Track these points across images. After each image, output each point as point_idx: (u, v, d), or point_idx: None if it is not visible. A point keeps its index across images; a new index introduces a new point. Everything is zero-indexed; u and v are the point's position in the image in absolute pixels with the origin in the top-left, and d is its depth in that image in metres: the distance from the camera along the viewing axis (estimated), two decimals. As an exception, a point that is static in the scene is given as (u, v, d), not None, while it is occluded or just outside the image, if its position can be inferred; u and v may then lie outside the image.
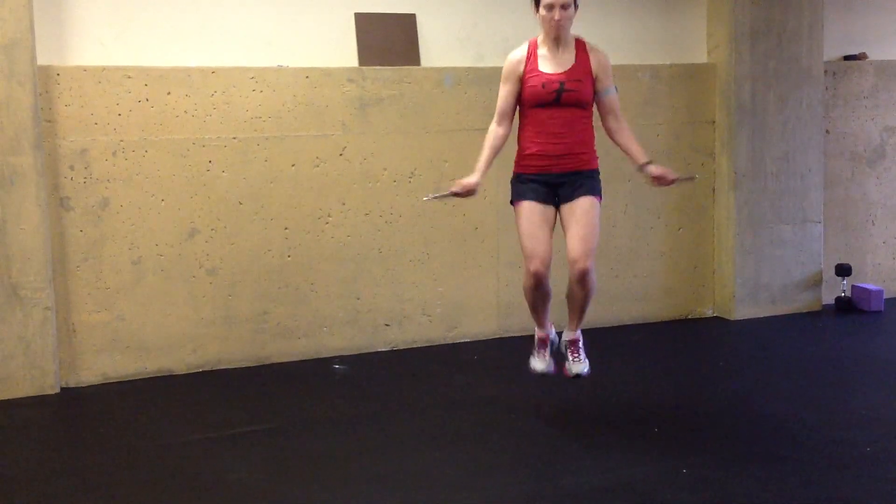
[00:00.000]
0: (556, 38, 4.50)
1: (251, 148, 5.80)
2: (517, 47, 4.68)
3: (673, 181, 4.59)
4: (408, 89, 6.08)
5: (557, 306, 4.87)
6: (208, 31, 5.78)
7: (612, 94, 4.61)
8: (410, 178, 6.13)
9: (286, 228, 5.90)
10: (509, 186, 4.75)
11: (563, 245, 4.59)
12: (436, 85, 6.14)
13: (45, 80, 5.37)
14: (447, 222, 6.23)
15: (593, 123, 4.68)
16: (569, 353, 4.75)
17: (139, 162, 5.59)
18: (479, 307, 6.36)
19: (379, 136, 6.05)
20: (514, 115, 4.63)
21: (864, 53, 7.27)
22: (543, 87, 4.46)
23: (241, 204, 5.80)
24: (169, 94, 5.61)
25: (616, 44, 6.65)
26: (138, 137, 5.58)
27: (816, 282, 7.05)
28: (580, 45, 4.58)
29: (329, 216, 5.99)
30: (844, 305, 7.08)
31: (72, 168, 5.46)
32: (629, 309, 6.74)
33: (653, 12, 6.76)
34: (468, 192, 4.57)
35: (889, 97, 7.31)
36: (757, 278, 6.87)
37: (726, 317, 6.88)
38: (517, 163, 4.65)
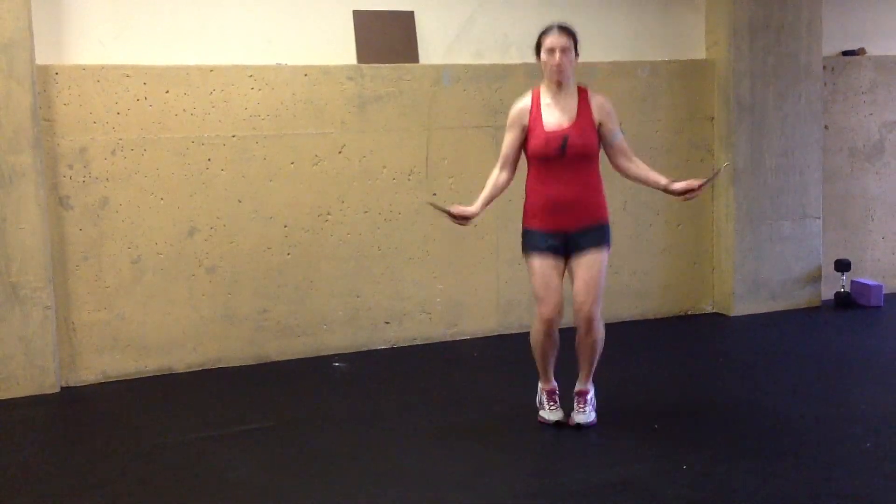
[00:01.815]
0: (558, 84, 4.50)
1: (250, 146, 5.80)
2: (522, 98, 4.62)
3: (701, 187, 4.56)
4: (406, 87, 6.08)
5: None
6: (207, 29, 5.77)
7: (620, 138, 4.61)
8: (410, 175, 6.13)
9: (285, 226, 5.90)
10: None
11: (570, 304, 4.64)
12: (434, 82, 6.14)
13: (44, 79, 5.36)
14: (447, 220, 6.21)
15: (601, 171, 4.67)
16: (575, 403, 4.74)
17: (138, 161, 5.59)
18: (479, 305, 6.36)
19: (378, 133, 6.04)
20: (517, 162, 4.62)
21: (862, 49, 7.27)
22: (547, 143, 4.47)
23: (240, 202, 5.80)
24: (168, 92, 5.61)
25: (615, 40, 6.66)
26: (137, 136, 5.58)
27: (816, 277, 7.05)
28: (582, 92, 4.58)
29: (328, 214, 5.99)
30: (844, 301, 7.08)
31: (71, 167, 5.46)
32: (629, 305, 6.75)
33: (651, 9, 6.76)
34: (463, 219, 4.61)
35: (888, 92, 7.31)
36: (756, 274, 6.87)
37: (726, 313, 6.88)
38: (526, 215, 4.63)
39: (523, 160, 4.64)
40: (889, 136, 7.35)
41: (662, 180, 4.60)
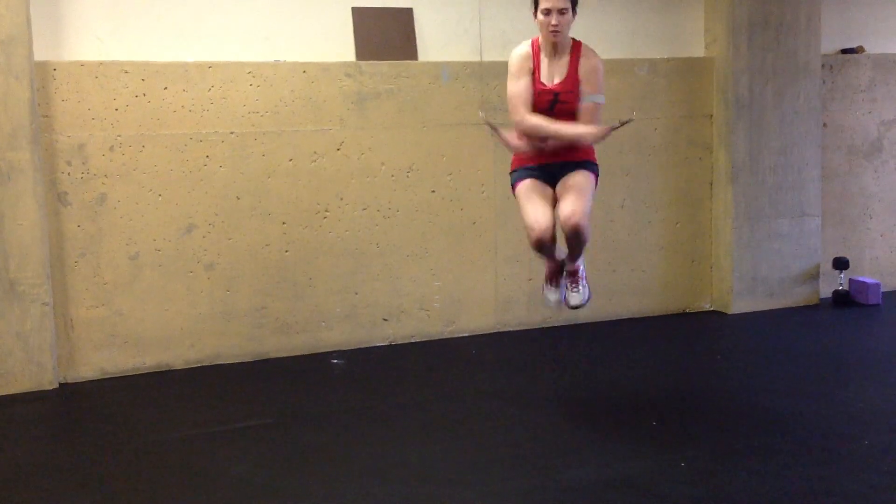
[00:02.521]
0: (554, 44, 4.52)
1: (249, 143, 5.80)
2: (519, 44, 4.66)
3: (608, 131, 4.45)
4: (405, 84, 6.07)
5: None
6: (205, 25, 5.77)
7: (590, 102, 4.53)
8: (408, 172, 6.13)
9: (284, 223, 5.90)
10: (506, 180, 4.77)
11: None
12: (433, 79, 6.13)
13: (42, 76, 5.36)
14: (445, 217, 6.23)
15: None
16: (568, 284, 4.79)
17: (136, 157, 5.58)
18: (477, 302, 6.36)
19: (376, 130, 6.04)
20: None
21: (861, 47, 7.27)
22: (539, 95, 4.52)
23: (238, 199, 5.80)
24: (166, 89, 5.61)
25: (613, 38, 6.66)
26: (135, 132, 5.57)
27: (814, 275, 7.05)
28: (576, 49, 4.58)
29: (327, 211, 5.98)
30: (842, 299, 7.09)
31: (69, 163, 5.46)
32: (627, 303, 6.75)
33: (650, 6, 6.76)
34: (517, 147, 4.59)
35: (886, 91, 7.31)
36: (755, 272, 6.88)
37: (724, 311, 6.89)
38: (514, 158, 4.71)
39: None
40: (887, 134, 7.36)
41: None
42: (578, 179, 4.54)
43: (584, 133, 4.48)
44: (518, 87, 4.55)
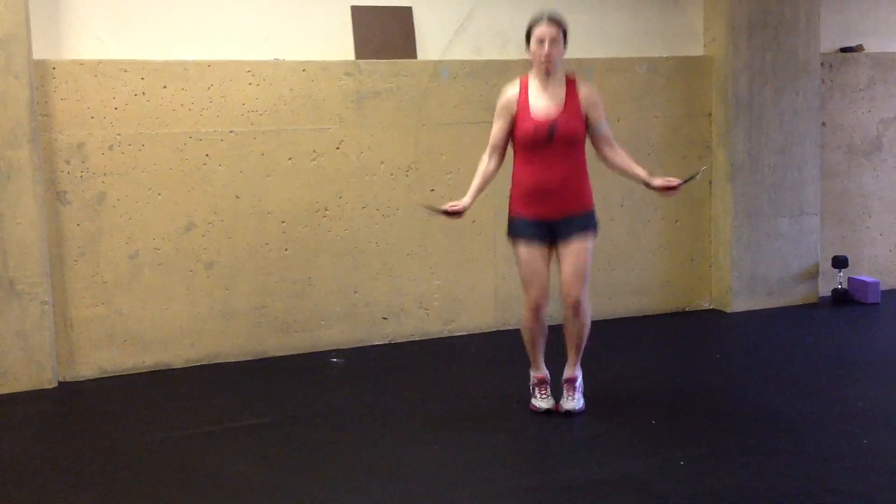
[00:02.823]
0: (547, 73, 4.56)
1: (248, 142, 5.80)
2: (509, 87, 4.68)
3: (679, 186, 4.61)
4: (405, 83, 6.07)
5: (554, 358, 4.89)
6: (204, 24, 5.77)
7: (605, 127, 4.67)
8: (408, 171, 6.13)
9: (283, 222, 5.90)
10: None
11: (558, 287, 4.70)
12: (433, 78, 6.13)
13: (42, 75, 5.36)
14: (442, 218, 6.21)
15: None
16: (564, 390, 4.82)
17: (136, 156, 5.58)
18: (477, 301, 6.36)
19: (376, 129, 6.04)
20: (505, 149, 4.70)
21: (860, 46, 7.27)
22: (536, 130, 4.54)
23: (238, 198, 5.80)
24: (165, 87, 5.61)
25: (613, 37, 6.67)
26: (135, 131, 5.57)
27: (813, 274, 7.05)
28: (570, 81, 4.64)
29: (326, 210, 5.99)
30: (841, 297, 7.10)
31: (68, 162, 5.46)
32: (626, 302, 6.75)
33: (650, 5, 6.76)
34: (456, 214, 4.68)
35: (885, 89, 7.32)
36: (754, 271, 6.88)
37: (723, 309, 6.89)
38: (512, 201, 4.71)
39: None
40: (886, 132, 7.36)
41: (643, 174, 4.65)
42: (580, 249, 4.60)
43: (651, 181, 4.62)
44: (494, 128, 4.69)
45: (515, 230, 4.66)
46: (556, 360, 4.88)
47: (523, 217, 4.63)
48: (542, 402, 4.81)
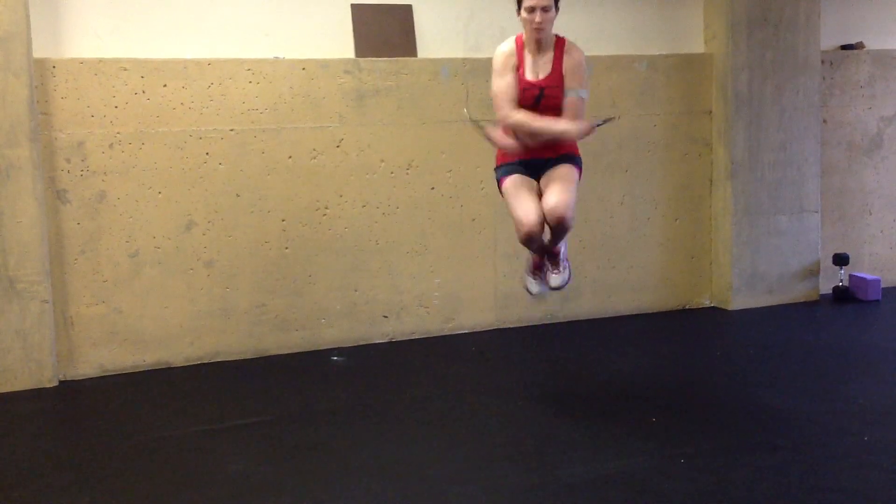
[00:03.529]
0: (538, 41, 4.57)
1: (248, 140, 5.79)
2: (505, 42, 4.71)
3: (593, 127, 4.56)
4: (404, 80, 6.07)
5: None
6: (204, 22, 5.76)
7: (573, 97, 4.59)
8: (408, 169, 6.13)
9: (283, 220, 5.90)
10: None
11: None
12: (432, 76, 6.13)
13: (41, 73, 5.35)
14: (444, 214, 6.23)
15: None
16: (550, 265, 4.86)
17: (136, 154, 5.58)
18: (477, 298, 6.36)
19: (376, 127, 6.04)
20: None
21: (861, 43, 7.26)
22: (525, 91, 4.57)
23: (238, 196, 5.80)
24: (165, 86, 5.60)
25: (613, 34, 6.66)
26: (135, 130, 5.57)
27: (814, 271, 7.05)
28: (560, 45, 4.63)
29: (326, 208, 5.98)
30: (842, 295, 7.09)
31: (68, 161, 5.46)
32: (626, 299, 6.75)
33: (650, 2, 6.75)
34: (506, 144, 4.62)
35: (886, 87, 7.31)
36: (754, 268, 6.88)
37: (724, 307, 6.89)
38: (499, 154, 4.78)
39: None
40: (887, 130, 7.36)
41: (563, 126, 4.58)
42: (562, 172, 4.61)
43: (569, 129, 4.57)
44: (502, 84, 4.61)
45: (501, 171, 4.70)
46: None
47: (508, 160, 4.68)
48: (534, 285, 4.92)
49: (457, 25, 6.28)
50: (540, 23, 4.48)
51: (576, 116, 4.59)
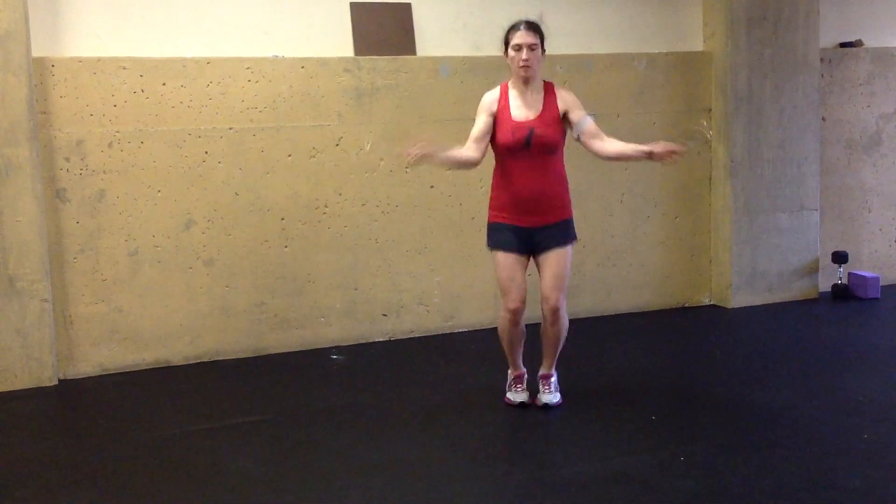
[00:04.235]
0: (525, 80, 4.58)
1: (247, 139, 5.79)
2: (491, 91, 4.71)
3: (678, 151, 4.56)
4: (404, 79, 6.07)
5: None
6: (203, 21, 5.76)
7: (589, 122, 4.66)
8: (407, 167, 6.12)
9: (283, 219, 5.90)
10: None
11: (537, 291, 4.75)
12: (432, 74, 6.13)
13: (40, 72, 5.35)
14: (444, 212, 6.23)
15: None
16: (541, 385, 4.87)
17: (135, 153, 5.58)
18: (477, 297, 6.36)
19: (375, 125, 6.04)
20: (485, 147, 4.65)
21: (860, 41, 7.26)
22: (513, 133, 4.55)
23: (237, 195, 5.80)
24: (164, 84, 5.60)
25: (612, 32, 6.66)
26: (134, 129, 5.57)
27: (813, 269, 7.05)
28: (548, 87, 4.67)
29: (326, 206, 5.98)
30: (841, 293, 7.10)
31: (67, 160, 5.45)
32: (626, 297, 6.75)
33: (649, 0, 6.75)
34: (413, 157, 4.53)
35: (885, 84, 7.31)
36: (754, 266, 6.88)
37: (723, 305, 6.89)
38: (492, 209, 4.73)
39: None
40: (886, 127, 7.36)
41: (639, 148, 4.59)
42: (559, 257, 4.64)
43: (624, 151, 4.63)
44: (475, 124, 4.66)
45: (494, 238, 4.69)
46: (532, 358, 4.89)
47: (502, 223, 4.65)
48: (517, 395, 4.88)
49: (456, 24, 6.28)
50: (527, 60, 4.51)
51: (601, 133, 4.65)
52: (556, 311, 4.67)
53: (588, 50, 6.52)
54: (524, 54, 4.51)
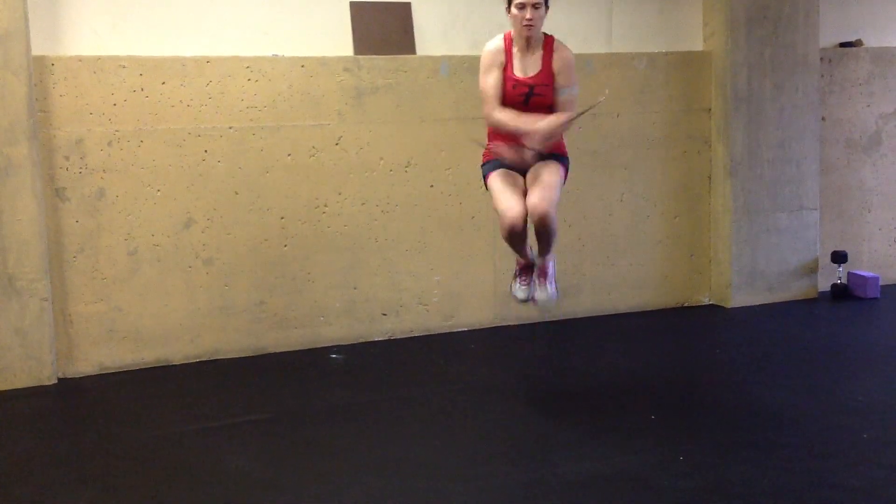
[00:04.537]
0: (528, 38, 4.58)
1: (247, 138, 5.79)
2: (493, 40, 4.72)
3: (575, 117, 4.57)
4: (404, 78, 6.06)
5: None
6: (203, 20, 5.75)
7: (567, 95, 4.62)
8: (407, 167, 6.12)
9: (282, 218, 5.89)
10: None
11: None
12: (431, 73, 6.13)
13: (40, 70, 5.35)
14: (444, 211, 6.23)
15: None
16: (537, 280, 4.87)
17: (135, 152, 5.58)
18: (476, 296, 6.36)
19: (375, 125, 6.04)
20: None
21: (859, 40, 7.26)
22: (514, 88, 4.57)
23: (237, 194, 5.79)
24: (164, 83, 5.60)
25: (612, 32, 6.65)
26: (133, 127, 5.56)
27: (812, 269, 7.05)
28: (548, 44, 4.65)
29: (325, 206, 5.98)
30: (840, 292, 7.10)
31: (67, 158, 5.45)
32: (626, 297, 6.75)
33: (648, 0, 6.75)
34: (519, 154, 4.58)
35: (885, 84, 7.31)
36: (753, 266, 6.88)
37: (723, 304, 6.89)
38: (486, 151, 4.78)
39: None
40: (886, 127, 7.36)
41: (553, 119, 4.54)
42: (547, 171, 4.60)
43: (548, 126, 4.50)
44: (488, 82, 4.62)
45: (487, 166, 4.70)
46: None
47: (496, 157, 4.66)
48: (520, 291, 4.90)
49: (455, 23, 6.28)
50: (530, 20, 4.48)
51: (568, 108, 4.61)
52: (544, 218, 4.48)
53: (588, 49, 6.51)
54: (528, 13, 4.47)
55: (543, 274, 4.85)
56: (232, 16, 5.81)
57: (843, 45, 7.23)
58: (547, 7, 4.58)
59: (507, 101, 4.59)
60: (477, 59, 6.14)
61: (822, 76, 7.04)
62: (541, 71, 4.59)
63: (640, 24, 6.74)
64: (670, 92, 6.74)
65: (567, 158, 4.76)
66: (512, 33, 4.64)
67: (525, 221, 4.55)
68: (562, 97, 4.60)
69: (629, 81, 6.60)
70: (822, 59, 6.99)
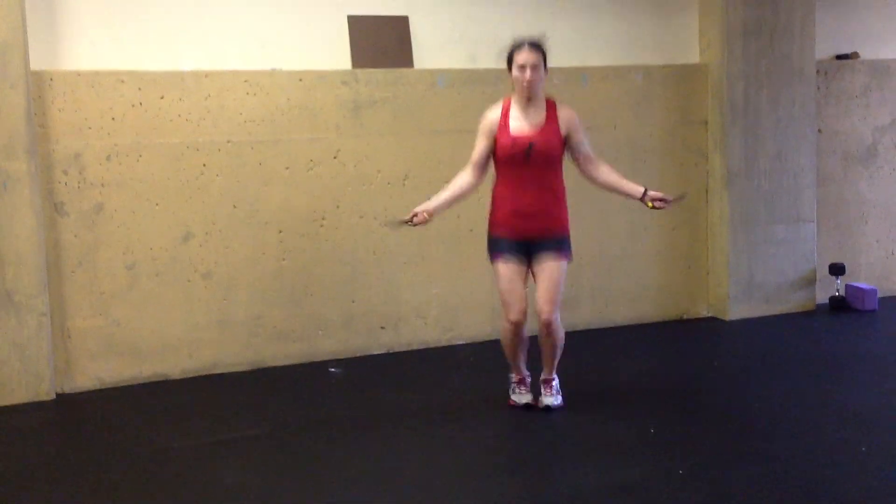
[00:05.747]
0: (528, 98, 4.70)
1: (245, 151, 5.80)
2: (493, 107, 4.83)
3: (671, 201, 4.82)
4: (401, 91, 6.08)
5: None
6: (201, 34, 5.77)
7: (586, 147, 4.82)
8: (405, 180, 6.13)
9: (280, 232, 5.90)
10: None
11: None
12: (429, 87, 6.14)
13: (39, 85, 5.36)
14: (442, 224, 6.22)
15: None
16: (543, 389, 5.01)
17: (133, 166, 5.58)
18: (474, 309, 6.36)
19: (373, 138, 6.05)
20: (485, 168, 4.83)
21: (855, 53, 7.29)
22: (513, 144, 4.67)
23: (235, 207, 5.80)
24: (162, 98, 5.61)
25: (608, 45, 6.68)
26: (132, 142, 5.57)
27: (810, 281, 7.06)
28: (550, 104, 4.78)
29: (323, 219, 5.98)
30: (838, 304, 7.10)
31: (66, 173, 5.45)
32: (624, 310, 6.75)
33: (645, 13, 6.77)
34: (420, 220, 4.73)
35: (881, 96, 7.33)
36: (751, 278, 6.89)
37: (721, 317, 6.89)
38: (492, 223, 4.87)
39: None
40: (882, 139, 7.38)
41: (638, 189, 4.82)
42: (553, 269, 4.77)
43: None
44: (476, 146, 4.81)
45: (495, 250, 4.82)
46: (535, 363, 4.90)
47: (502, 237, 4.78)
48: (520, 397, 5.02)
49: (453, 36, 6.29)
50: (530, 80, 4.64)
51: (595, 157, 4.83)
52: (548, 325, 4.82)
53: (584, 62, 6.53)
54: (528, 74, 4.64)
55: (549, 384, 5.02)
56: (230, 30, 5.82)
57: (839, 57, 7.25)
58: (546, 69, 4.72)
59: (508, 157, 4.69)
60: (474, 71, 6.22)
61: (819, 88, 7.07)
62: (544, 127, 4.70)
63: (637, 36, 6.76)
64: (667, 104, 6.75)
65: (569, 242, 4.86)
66: (513, 97, 4.76)
67: (526, 317, 4.83)
68: (583, 150, 4.79)
69: (626, 94, 6.62)
70: (818, 71, 7.02)
